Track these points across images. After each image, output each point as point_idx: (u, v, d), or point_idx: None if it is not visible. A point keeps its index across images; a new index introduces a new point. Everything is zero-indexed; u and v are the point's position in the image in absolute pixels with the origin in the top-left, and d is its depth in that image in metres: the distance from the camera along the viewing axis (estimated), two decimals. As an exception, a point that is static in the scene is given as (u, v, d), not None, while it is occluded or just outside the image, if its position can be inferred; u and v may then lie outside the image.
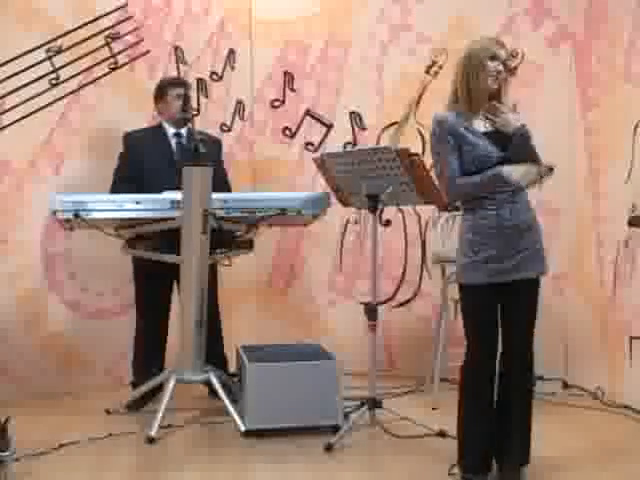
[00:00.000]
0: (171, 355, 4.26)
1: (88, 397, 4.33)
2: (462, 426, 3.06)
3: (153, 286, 4.22)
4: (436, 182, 3.59)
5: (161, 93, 4.26)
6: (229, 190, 4.32)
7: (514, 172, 2.92)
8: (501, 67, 2.97)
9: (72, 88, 4.44)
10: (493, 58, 2.96)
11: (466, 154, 2.96)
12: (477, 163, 2.95)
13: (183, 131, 4.24)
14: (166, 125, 4.27)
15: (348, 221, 4.84)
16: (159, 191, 3.88)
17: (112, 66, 4.56)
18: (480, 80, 2.96)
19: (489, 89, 2.98)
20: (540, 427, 3.24)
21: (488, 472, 3.05)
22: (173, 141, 4.25)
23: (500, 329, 3.03)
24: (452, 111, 3.02)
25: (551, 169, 3.02)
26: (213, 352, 4.12)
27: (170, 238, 3.87)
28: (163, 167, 4.12)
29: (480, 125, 3.01)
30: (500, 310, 3.03)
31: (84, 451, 3.51)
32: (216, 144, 4.37)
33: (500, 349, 3.05)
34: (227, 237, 4.05)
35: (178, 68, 4.80)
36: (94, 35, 4.49)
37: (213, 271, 4.23)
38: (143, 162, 4.16)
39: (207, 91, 4.91)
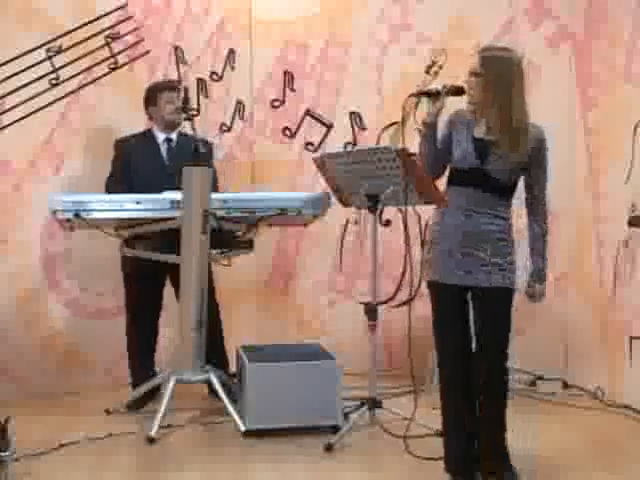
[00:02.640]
0: (169, 355, 4.27)
1: (88, 397, 4.33)
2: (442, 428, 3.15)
3: (144, 287, 4.20)
4: (436, 182, 3.61)
5: (152, 97, 4.26)
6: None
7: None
8: (467, 79, 2.98)
9: (72, 88, 4.44)
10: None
11: (455, 148, 3.04)
12: (455, 161, 3.05)
13: (173, 136, 4.24)
14: (156, 130, 4.27)
15: (348, 221, 4.83)
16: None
17: (112, 66, 4.56)
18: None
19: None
20: (540, 427, 3.25)
21: (463, 476, 3.06)
22: (163, 147, 4.25)
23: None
24: (462, 117, 3.06)
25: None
26: (213, 352, 4.12)
27: (170, 238, 3.87)
28: (153, 172, 4.13)
29: (480, 131, 3.02)
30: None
31: (84, 451, 3.51)
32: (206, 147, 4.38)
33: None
34: (227, 237, 4.05)
35: (178, 68, 4.80)
36: (94, 35, 4.49)
37: (209, 271, 4.23)
38: (134, 168, 4.16)
39: (207, 91, 4.91)
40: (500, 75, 2.90)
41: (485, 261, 2.96)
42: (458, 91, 3.05)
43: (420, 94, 3.06)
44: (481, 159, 2.97)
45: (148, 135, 4.29)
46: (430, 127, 3.06)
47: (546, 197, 3.09)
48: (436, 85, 3.07)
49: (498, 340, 3.00)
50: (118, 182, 4.16)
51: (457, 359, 3.06)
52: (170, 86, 4.29)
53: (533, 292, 3.07)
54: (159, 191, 3.87)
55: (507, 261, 2.99)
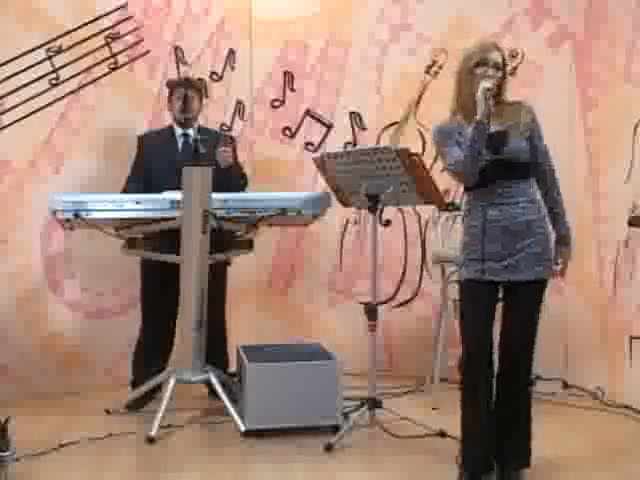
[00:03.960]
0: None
1: (88, 397, 4.33)
2: (462, 426, 3.08)
3: (158, 286, 4.21)
4: (436, 182, 3.61)
5: (169, 94, 4.31)
6: (244, 179, 4.39)
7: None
8: (491, 71, 2.95)
9: (72, 88, 4.44)
10: (480, 64, 2.96)
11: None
12: None
13: (190, 132, 4.24)
14: (175, 126, 4.29)
15: (348, 221, 4.84)
16: (163, 191, 3.89)
17: (112, 66, 4.56)
18: (471, 88, 2.96)
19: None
20: (540, 427, 3.23)
21: (488, 473, 3.04)
22: (180, 141, 4.27)
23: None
24: (452, 123, 3.05)
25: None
26: (215, 352, 4.12)
27: (170, 238, 3.87)
28: (168, 167, 4.12)
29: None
30: (502, 310, 3.05)
31: (84, 451, 3.51)
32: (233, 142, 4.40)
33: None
34: (227, 237, 4.05)
35: (178, 68, 4.80)
36: (94, 35, 4.49)
37: (222, 272, 4.23)
38: (150, 163, 4.19)
39: (207, 91, 4.90)
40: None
41: (528, 254, 2.96)
42: None
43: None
44: (494, 151, 2.95)
45: (168, 130, 4.32)
46: (484, 125, 2.92)
47: (553, 165, 3.11)
48: (489, 84, 2.95)
49: (533, 333, 3.03)
50: (134, 180, 4.18)
51: (487, 358, 3.03)
52: (180, 83, 4.29)
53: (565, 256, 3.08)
54: (170, 185, 3.87)
55: (548, 250, 3.02)
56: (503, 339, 3.04)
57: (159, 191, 3.91)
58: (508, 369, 3.04)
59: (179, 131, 4.28)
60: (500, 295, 3.06)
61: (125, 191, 4.14)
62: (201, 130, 4.22)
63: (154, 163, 4.19)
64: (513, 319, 3.03)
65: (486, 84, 2.89)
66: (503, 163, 2.97)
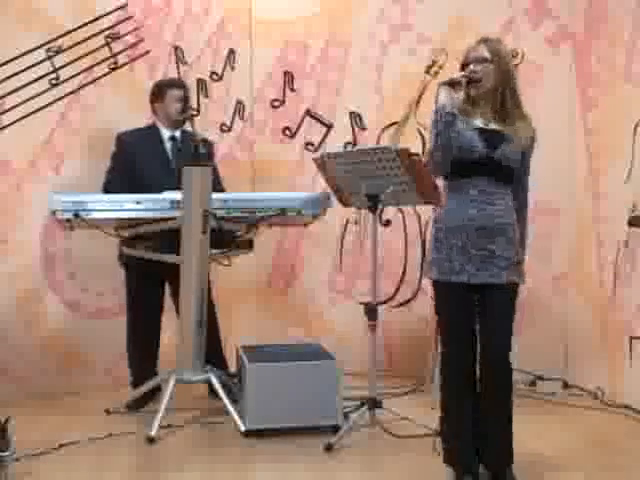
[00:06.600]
0: (169, 355, 4.26)
1: (88, 397, 4.33)
2: (442, 425, 3.10)
3: (144, 286, 4.20)
4: (437, 182, 3.61)
5: (159, 94, 4.24)
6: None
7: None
8: (472, 67, 2.96)
9: (72, 88, 4.44)
10: (465, 65, 3.00)
11: (453, 140, 2.94)
12: (459, 151, 2.95)
13: (177, 134, 4.23)
14: (161, 127, 4.26)
15: (348, 221, 4.84)
16: (153, 192, 3.88)
17: (112, 66, 4.56)
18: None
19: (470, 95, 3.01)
20: (540, 427, 3.25)
21: (471, 472, 3.03)
22: (168, 144, 4.24)
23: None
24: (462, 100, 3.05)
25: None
26: (211, 352, 4.12)
27: (170, 238, 3.87)
28: (158, 169, 4.11)
29: (478, 121, 3.02)
30: (479, 312, 3.04)
31: (84, 451, 3.51)
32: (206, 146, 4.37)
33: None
34: (227, 237, 4.05)
35: (178, 68, 4.80)
36: (94, 35, 4.49)
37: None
38: (137, 163, 4.14)
39: (207, 91, 4.91)
40: (508, 64, 3.02)
41: (500, 256, 2.94)
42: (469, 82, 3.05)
43: (450, 84, 3.00)
44: (489, 148, 2.96)
45: (153, 131, 4.26)
46: (453, 116, 2.95)
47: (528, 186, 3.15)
48: (457, 75, 3.01)
49: (507, 336, 2.98)
50: (118, 180, 4.14)
51: (466, 359, 3.01)
52: (178, 84, 4.28)
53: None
54: (162, 187, 3.86)
55: (519, 254, 3.01)
56: (481, 341, 3.02)
57: (148, 192, 3.89)
58: (487, 370, 3.01)
59: (166, 133, 4.24)
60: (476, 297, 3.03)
61: (107, 189, 4.12)
62: (184, 133, 4.22)
63: (140, 164, 4.13)
64: (488, 321, 2.99)
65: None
66: (493, 161, 2.96)
